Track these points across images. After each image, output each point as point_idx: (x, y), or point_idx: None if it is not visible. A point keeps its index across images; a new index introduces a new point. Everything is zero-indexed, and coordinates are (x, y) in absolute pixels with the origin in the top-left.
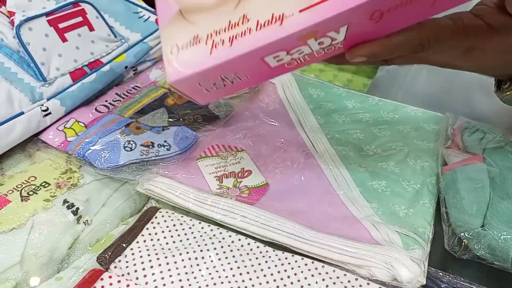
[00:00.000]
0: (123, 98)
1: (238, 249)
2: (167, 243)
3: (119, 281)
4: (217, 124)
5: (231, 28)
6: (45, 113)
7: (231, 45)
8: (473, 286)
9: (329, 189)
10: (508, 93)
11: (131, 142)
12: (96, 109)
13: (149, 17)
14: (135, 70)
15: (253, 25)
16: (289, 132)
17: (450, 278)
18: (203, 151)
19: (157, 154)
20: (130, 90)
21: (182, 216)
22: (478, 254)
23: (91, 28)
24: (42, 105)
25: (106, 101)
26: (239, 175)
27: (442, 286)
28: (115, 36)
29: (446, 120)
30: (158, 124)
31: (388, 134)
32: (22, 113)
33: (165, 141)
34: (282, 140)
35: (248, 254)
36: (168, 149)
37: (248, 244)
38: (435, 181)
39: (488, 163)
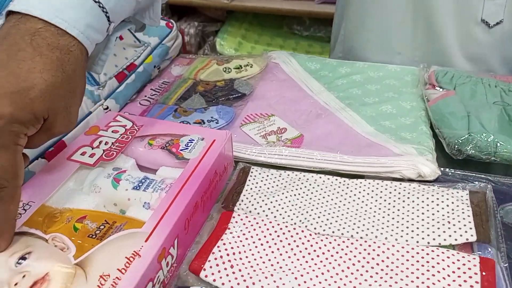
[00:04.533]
0: (158, 92)
1: (314, 182)
2: (268, 188)
3: (246, 217)
4: (245, 99)
5: None
6: (106, 110)
7: None
8: (469, 174)
9: (350, 130)
10: None
11: (185, 122)
12: (140, 103)
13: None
14: (159, 68)
15: None
16: (303, 96)
17: (455, 172)
18: (242, 120)
19: (209, 127)
20: (161, 85)
21: (269, 170)
22: (470, 153)
23: (121, 38)
24: (103, 104)
25: (145, 96)
26: (278, 132)
27: (449, 175)
28: (139, 42)
29: (421, 70)
30: (198, 106)
31: (379, 87)
32: (90, 112)
33: (212, 117)
34: (300, 103)
35: (322, 183)
36: (217, 123)
37: (320, 177)
38: (425, 114)
39: (459, 94)
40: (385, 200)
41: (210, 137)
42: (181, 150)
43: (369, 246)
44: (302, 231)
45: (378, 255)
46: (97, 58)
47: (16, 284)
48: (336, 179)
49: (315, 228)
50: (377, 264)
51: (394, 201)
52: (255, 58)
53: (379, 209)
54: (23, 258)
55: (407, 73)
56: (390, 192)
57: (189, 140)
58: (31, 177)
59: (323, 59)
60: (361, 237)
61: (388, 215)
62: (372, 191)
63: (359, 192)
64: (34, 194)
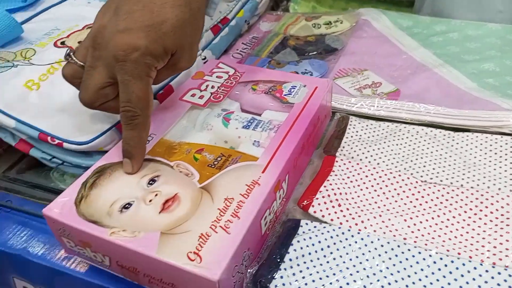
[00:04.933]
0: (249, 46)
1: (416, 133)
2: (368, 137)
3: (349, 162)
4: (337, 54)
5: (222, 215)
6: (204, 60)
7: (239, 219)
8: None
9: (451, 85)
10: None
11: None
12: (232, 56)
13: None
14: (248, 24)
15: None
16: (396, 52)
17: None
18: (335, 73)
19: None
20: (251, 40)
21: (367, 120)
22: None
23: None
24: (201, 54)
25: (237, 49)
26: (373, 86)
27: None
28: None
29: None
30: (291, 59)
31: (479, 46)
32: None
33: (306, 69)
34: (394, 58)
35: (425, 135)
36: (311, 75)
37: (422, 129)
38: None
39: None
40: (495, 153)
41: (311, 84)
42: (285, 95)
43: (482, 195)
44: (408, 178)
45: (491, 204)
46: (211, 1)
47: (150, 201)
48: (440, 131)
49: (421, 176)
50: (491, 212)
51: (506, 154)
52: (345, 14)
53: (489, 161)
54: (153, 180)
55: (510, 32)
56: (501, 146)
57: (292, 86)
58: None
59: (415, 16)
60: (471, 187)
61: (500, 167)
62: (481, 144)
63: (466, 144)
64: (153, 129)
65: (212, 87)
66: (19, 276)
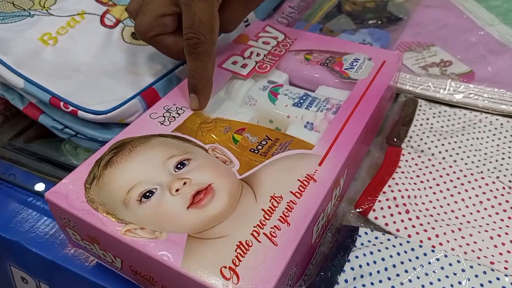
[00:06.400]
0: (296, 10)
1: (501, 126)
2: (442, 127)
3: (419, 157)
4: (400, 24)
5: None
6: (246, 23)
7: (289, 225)
8: None
9: None
10: None
11: None
12: (277, 20)
13: None
14: None
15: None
16: (471, 27)
17: None
18: (396, 47)
19: None
20: (299, 3)
21: (440, 106)
22: None
23: None
24: None
25: (283, 13)
26: (441, 64)
27: None
28: None
29: None
30: (346, 27)
31: None
32: None
33: (364, 40)
34: (468, 34)
35: (491, 124)
36: (370, 45)
37: (508, 121)
38: None
39: None
40: None
41: (378, 57)
42: (345, 69)
43: None
44: (494, 182)
45: None
46: None
47: (177, 191)
48: (497, 120)
49: (510, 181)
50: None
51: None
52: None
53: None
54: (181, 163)
55: None
56: None
57: (354, 59)
58: (178, 83)
59: None
60: None
61: None
62: None
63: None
64: (185, 101)
65: (258, 54)
66: (16, 265)
